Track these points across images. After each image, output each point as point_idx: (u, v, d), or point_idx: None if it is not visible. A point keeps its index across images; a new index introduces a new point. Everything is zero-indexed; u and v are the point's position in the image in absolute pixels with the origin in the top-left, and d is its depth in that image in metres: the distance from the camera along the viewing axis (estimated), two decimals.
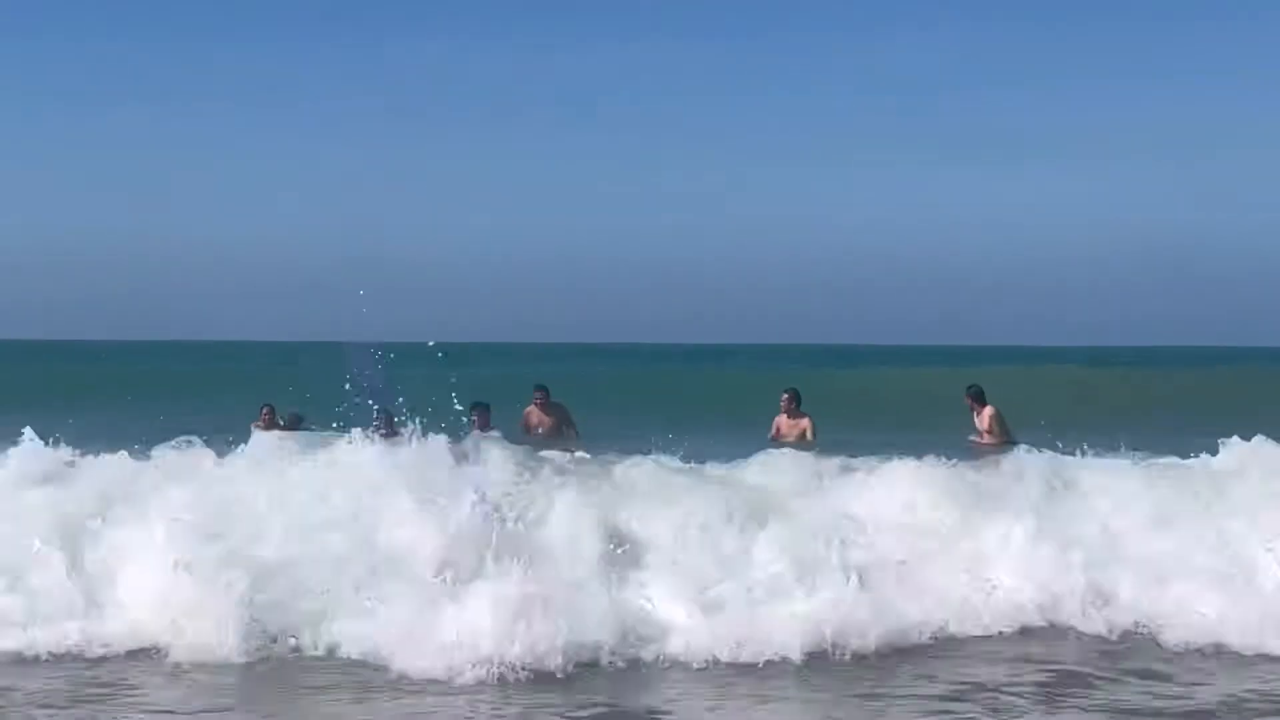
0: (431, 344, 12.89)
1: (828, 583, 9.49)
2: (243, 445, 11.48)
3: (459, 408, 12.61)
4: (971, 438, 16.45)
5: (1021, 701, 8.20)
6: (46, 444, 11.82)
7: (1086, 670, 8.92)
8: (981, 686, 8.50)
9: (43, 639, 9.07)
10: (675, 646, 9.00)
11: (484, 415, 15.16)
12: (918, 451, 11.76)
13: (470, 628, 8.59)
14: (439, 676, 8.41)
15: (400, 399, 12.01)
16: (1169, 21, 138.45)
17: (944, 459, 11.78)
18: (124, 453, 11.54)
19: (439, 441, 10.67)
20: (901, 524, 10.58)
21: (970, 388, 17.03)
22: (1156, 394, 30.92)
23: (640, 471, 11.42)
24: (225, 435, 12.00)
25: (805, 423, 16.44)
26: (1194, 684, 8.63)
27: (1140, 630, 9.74)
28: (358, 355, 12.63)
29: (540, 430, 16.36)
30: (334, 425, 11.62)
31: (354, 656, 8.91)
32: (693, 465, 12.06)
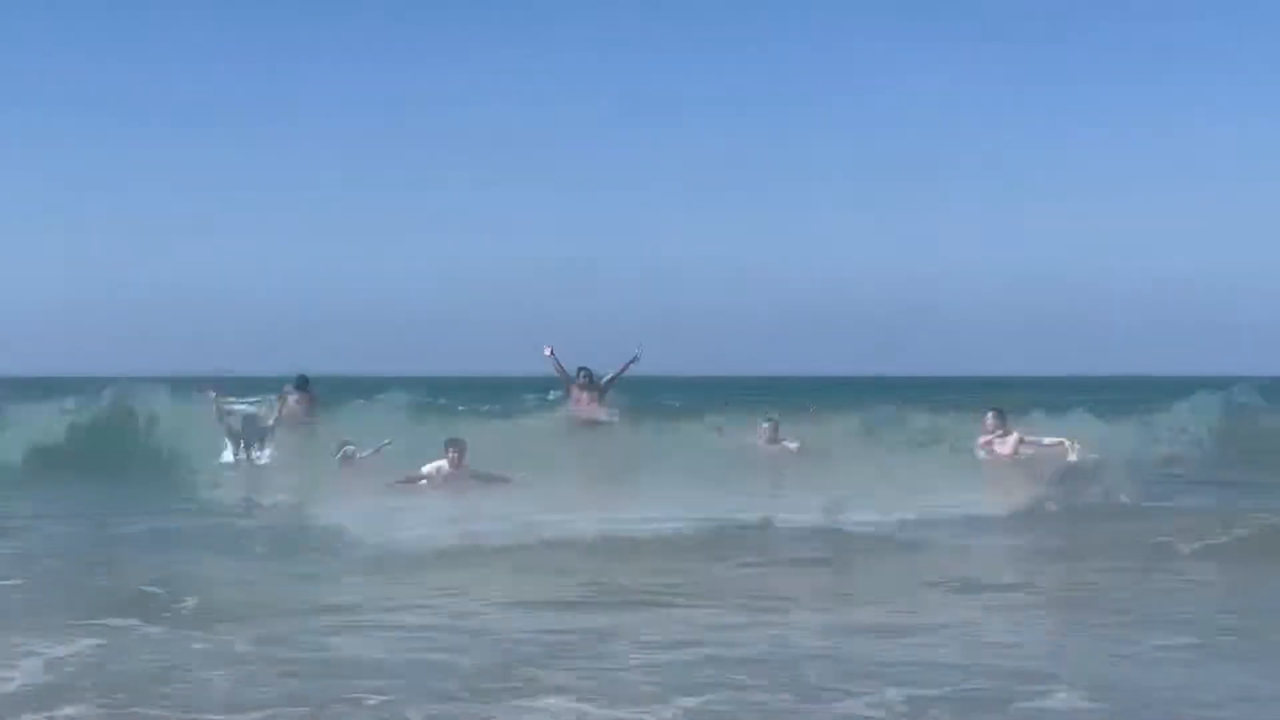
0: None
1: None
2: None
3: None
4: (983, 454, 16.45)
5: None
6: None
7: None
8: None
9: None
10: None
11: (459, 451, 14.89)
12: None
13: None
14: None
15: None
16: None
17: None
18: None
19: None
20: None
21: (995, 408, 16.96)
22: None
23: None
24: None
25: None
26: None
27: None
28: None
29: (583, 400, 18.67)
30: None
31: None
32: None
